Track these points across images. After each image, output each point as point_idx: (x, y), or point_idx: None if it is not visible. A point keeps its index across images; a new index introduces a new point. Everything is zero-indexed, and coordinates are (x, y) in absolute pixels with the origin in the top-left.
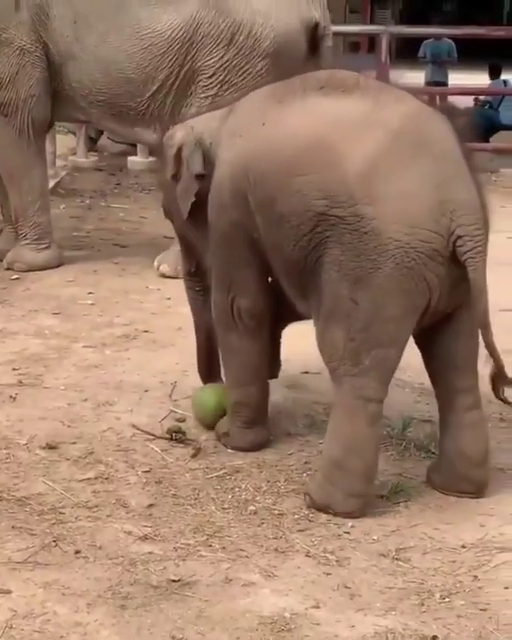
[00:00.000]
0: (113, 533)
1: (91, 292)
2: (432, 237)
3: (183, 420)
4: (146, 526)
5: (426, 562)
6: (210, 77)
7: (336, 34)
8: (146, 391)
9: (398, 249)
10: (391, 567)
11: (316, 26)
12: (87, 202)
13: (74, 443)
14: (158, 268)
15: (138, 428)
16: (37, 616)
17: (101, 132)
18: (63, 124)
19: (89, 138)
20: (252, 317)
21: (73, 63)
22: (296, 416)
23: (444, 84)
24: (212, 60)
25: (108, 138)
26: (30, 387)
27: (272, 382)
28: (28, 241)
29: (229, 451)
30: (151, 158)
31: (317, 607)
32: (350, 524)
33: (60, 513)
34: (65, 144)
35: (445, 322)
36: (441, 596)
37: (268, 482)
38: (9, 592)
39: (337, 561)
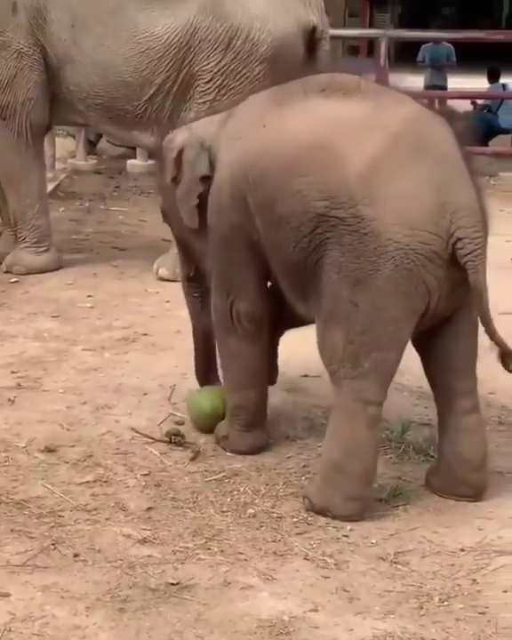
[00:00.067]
0: (112, 536)
1: (90, 295)
2: (432, 239)
3: (182, 423)
4: (145, 529)
5: (424, 565)
6: (208, 82)
7: (335, 37)
8: (145, 394)
9: (398, 251)
10: (390, 570)
11: (314, 30)
12: (86, 205)
13: (73, 446)
14: (157, 272)
15: (137, 431)
16: (36, 619)
17: (101, 136)
18: (62, 126)
19: (88, 141)
20: (251, 321)
21: (70, 66)
22: (295, 419)
23: (444, 87)
24: (210, 65)
25: (108, 141)
26: (29, 390)
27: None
28: (27, 244)
29: (228, 454)
30: (150, 161)
31: (316, 610)
32: (349, 528)
33: (59, 516)
34: (64, 147)
35: (444, 325)
36: (440, 599)
37: (267, 485)
38: (8, 595)
39: (335, 564)
